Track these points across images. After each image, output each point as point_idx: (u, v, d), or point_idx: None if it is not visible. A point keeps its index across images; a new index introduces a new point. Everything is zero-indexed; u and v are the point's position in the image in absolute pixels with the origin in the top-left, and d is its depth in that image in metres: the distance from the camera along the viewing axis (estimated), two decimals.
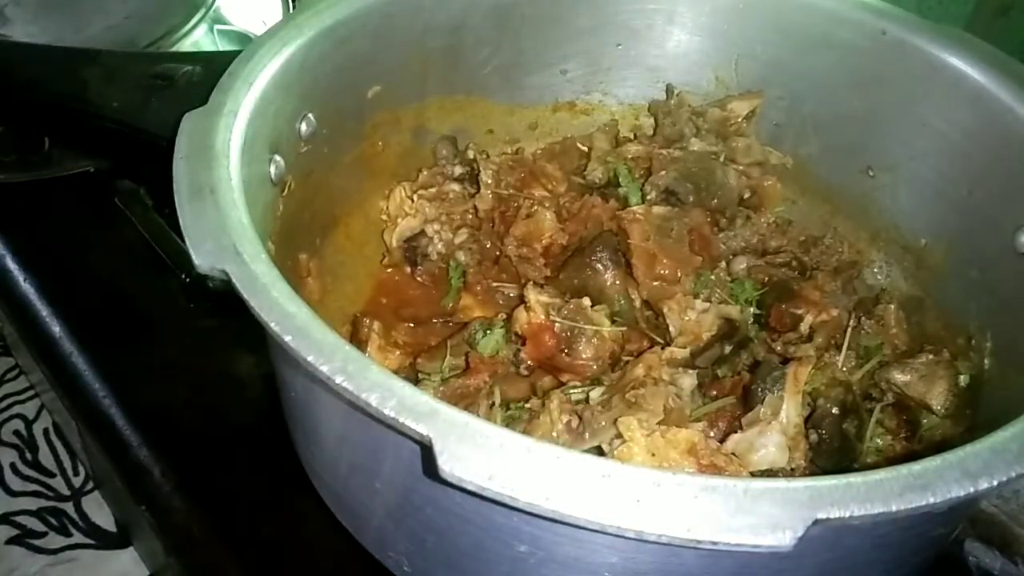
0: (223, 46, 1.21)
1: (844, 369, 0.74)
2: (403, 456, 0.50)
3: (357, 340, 0.76)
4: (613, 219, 0.85)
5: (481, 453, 0.42)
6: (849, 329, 0.77)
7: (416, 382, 0.72)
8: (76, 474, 1.65)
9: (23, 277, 1.01)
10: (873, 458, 0.70)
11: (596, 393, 0.68)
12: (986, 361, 0.74)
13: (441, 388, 0.71)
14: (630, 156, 0.92)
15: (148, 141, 0.78)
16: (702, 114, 0.93)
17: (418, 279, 0.86)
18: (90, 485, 1.62)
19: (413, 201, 0.86)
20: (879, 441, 0.72)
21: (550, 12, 0.89)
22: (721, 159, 0.91)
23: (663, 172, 0.88)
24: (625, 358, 0.74)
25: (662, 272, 0.81)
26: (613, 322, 0.77)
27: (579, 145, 0.95)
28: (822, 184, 0.91)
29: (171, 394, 0.90)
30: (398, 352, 0.76)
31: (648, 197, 0.87)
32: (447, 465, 0.42)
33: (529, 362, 0.75)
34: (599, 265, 0.82)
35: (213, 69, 0.67)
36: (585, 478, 0.42)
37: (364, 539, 0.63)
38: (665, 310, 0.79)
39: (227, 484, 0.83)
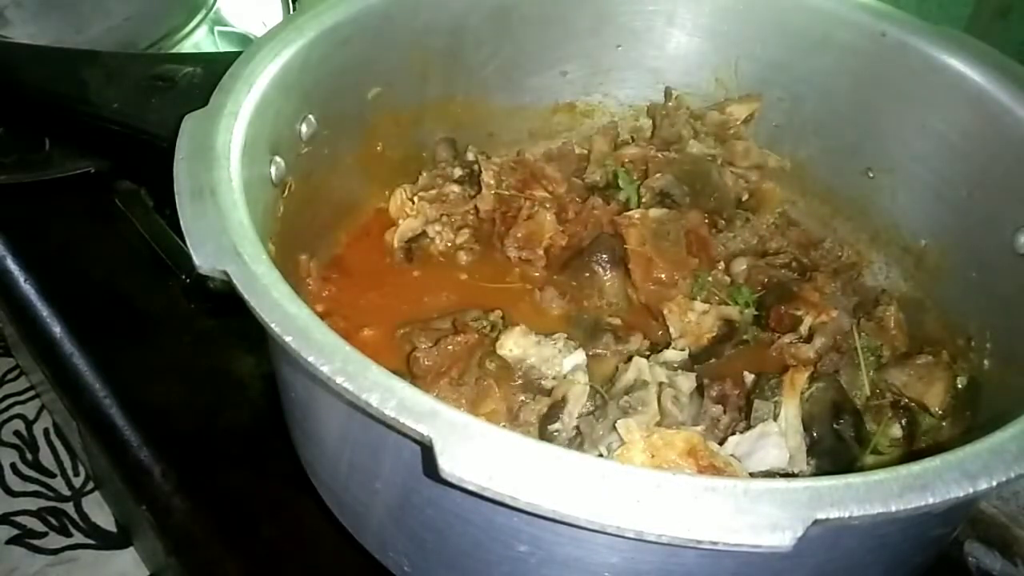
0: (223, 47, 1.22)
1: (844, 377, 0.75)
2: (403, 456, 0.50)
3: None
4: (612, 222, 0.85)
5: (481, 453, 0.42)
6: (858, 339, 0.77)
7: (410, 362, 0.72)
8: (76, 474, 1.65)
9: (23, 277, 1.01)
10: (872, 459, 0.70)
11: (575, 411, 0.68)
12: (985, 362, 0.74)
13: (433, 350, 0.72)
14: (628, 159, 0.92)
15: (148, 142, 0.79)
16: (701, 117, 0.93)
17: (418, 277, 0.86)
18: (90, 485, 1.62)
19: (414, 203, 0.86)
20: (878, 442, 0.72)
21: (550, 13, 0.89)
22: (719, 162, 0.91)
23: (658, 174, 0.88)
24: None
25: (659, 276, 0.81)
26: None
27: (577, 147, 0.96)
28: (822, 185, 0.91)
29: (171, 394, 0.90)
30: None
31: (644, 200, 0.87)
32: (447, 465, 0.42)
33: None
34: (598, 267, 0.83)
35: (213, 70, 0.67)
36: (585, 478, 0.42)
37: (364, 539, 0.63)
38: (665, 312, 0.79)
39: (227, 484, 0.83)
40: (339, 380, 0.45)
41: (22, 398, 1.76)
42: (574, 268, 0.84)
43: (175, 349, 0.95)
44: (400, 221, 0.86)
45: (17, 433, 1.71)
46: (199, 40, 1.20)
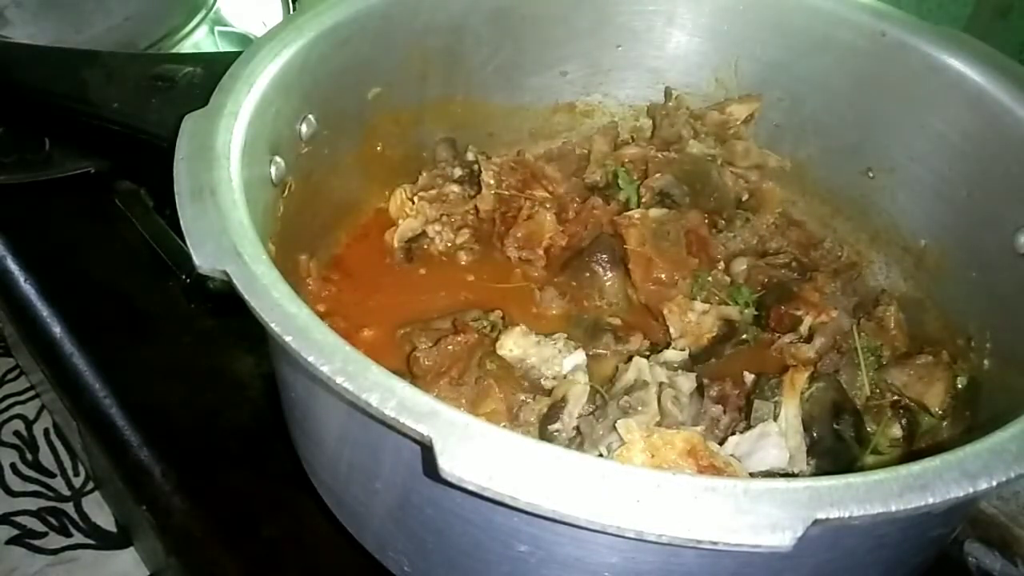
0: (223, 47, 1.22)
1: (844, 377, 0.75)
2: (403, 456, 0.50)
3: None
4: (612, 222, 0.85)
5: (481, 453, 0.42)
6: (858, 339, 0.77)
7: (410, 362, 0.72)
8: (76, 474, 1.65)
9: (23, 278, 1.01)
10: (872, 459, 0.70)
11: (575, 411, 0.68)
12: (985, 362, 0.74)
13: (433, 350, 0.72)
14: (628, 159, 0.92)
15: (148, 142, 0.79)
16: (701, 117, 0.93)
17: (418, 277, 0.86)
18: (90, 485, 1.62)
19: (414, 203, 0.86)
20: (878, 442, 0.72)
21: (550, 13, 0.89)
22: (719, 162, 0.91)
23: (658, 175, 0.88)
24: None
25: (659, 276, 0.81)
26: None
27: (578, 148, 0.96)
28: (822, 185, 0.91)
29: (171, 394, 0.90)
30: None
31: (644, 200, 0.87)
32: (447, 465, 0.42)
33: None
34: (598, 267, 0.83)
35: (213, 70, 0.67)
36: (585, 478, 0.42)
37: (364, 539, 0.63)
38: (665, 312, 0.79)
39: (227, 484, 0.83)
40: (339, 380, 0.45)
41: (22, 398, 1.76)
42: (574, 268, 0.84)
43: (175, 349, 0.95)
44: (400, 221, 0.86)
45: (17, 433, 1.71)
46: (199, 40, 1.20)
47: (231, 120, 0.62)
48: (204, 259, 0.51)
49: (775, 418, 0.68)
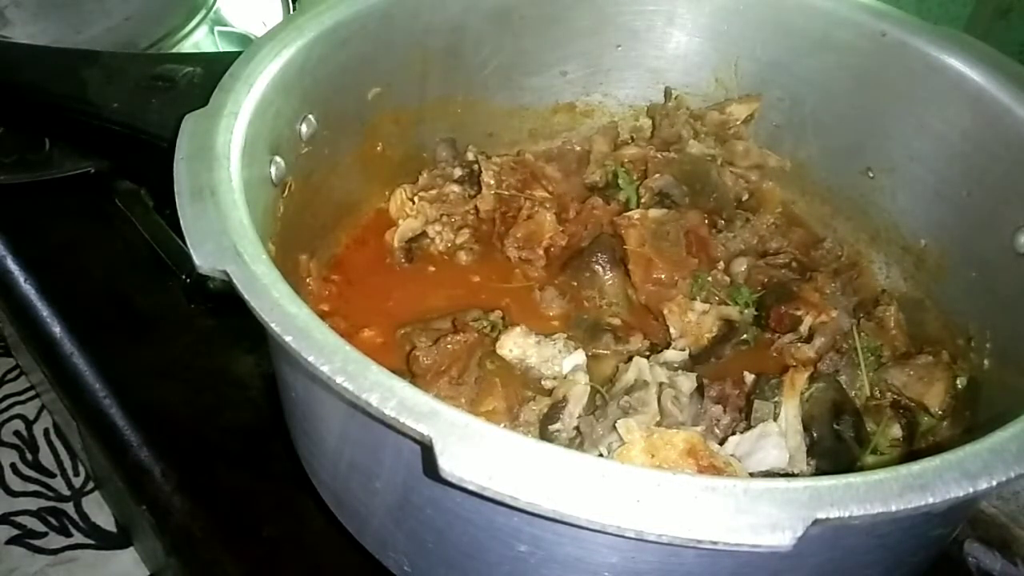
0: (224, 47, 1.22)
1: (844, 377, 0.75)
2: (403, 456, 0.50)
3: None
4: (612, 222, 0.85)
5: (481, 453, 0.42)
6: (858, 339, 0.77)
7: (410, 361, 0.73)
8: (76, 474, 1.65)
9: (23, 277, 1.01)
10: (872, 459, 0.70)
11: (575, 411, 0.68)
12: (985, 361, 0.74)
13: (433, 349, 0.72)
14: (628, 159, 0.92)
15: (149, 142, 0.79)
16: (700, 117, 0.93)
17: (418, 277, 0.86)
18: (90, 485, 1.62)
19: (414, 203, 0.86)
20: (878, 442, 0.72)
21: (550, 13, 0.89)
22: (719, 162, 0.91)
23: (658, 175, 0.88)
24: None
25: (658, 276, 0.81)
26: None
27: (577, 147, 0.96)
28: (822, 185, 0.92)
29: (171, 394, 0.90)
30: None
31: (643, 200, 0.87)
32: (447, 465, 0.42)
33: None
34: (598, 267, 0.83)
35: (214, 70, 0.67)
36: (585, 478, 0.42)
37: (364, 539, 0.63)
38: (665, 312, 0.79)
39: (227, 484, 0.83)
40: (339, 380, 0.45)
41: (22, 398, 1.77)
42: (574, 268, 0.84)
43: (175, 349, 0.95)
44: (400, 221, 0.86)
45: (17, 433, 1.71)
46: (199, 40, 1.20)
47: (231, 120, 0.62)
48: (204, 259, 0.51)
49: (775, 418, 0.68)
